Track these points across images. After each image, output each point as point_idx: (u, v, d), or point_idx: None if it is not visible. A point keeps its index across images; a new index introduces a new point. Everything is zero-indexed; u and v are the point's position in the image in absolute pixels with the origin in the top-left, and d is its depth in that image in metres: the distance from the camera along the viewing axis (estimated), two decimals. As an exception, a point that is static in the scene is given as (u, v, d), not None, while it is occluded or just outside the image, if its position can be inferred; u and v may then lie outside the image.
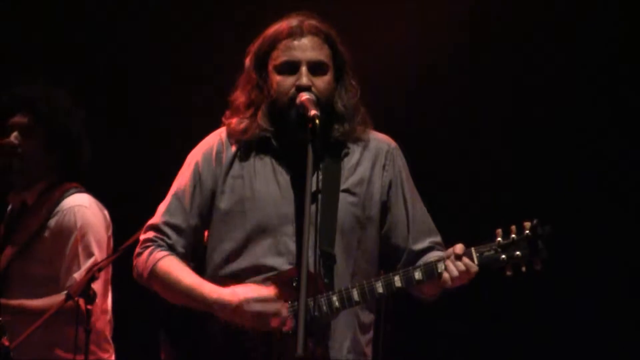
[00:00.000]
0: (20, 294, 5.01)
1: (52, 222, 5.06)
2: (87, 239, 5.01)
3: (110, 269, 5.08)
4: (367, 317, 4.11)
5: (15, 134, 5.09)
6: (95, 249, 5.00)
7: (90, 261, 4.95)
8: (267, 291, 3.89)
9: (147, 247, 4.09)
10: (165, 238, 4.08)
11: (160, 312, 4.08)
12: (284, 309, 3.88)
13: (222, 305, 3.90)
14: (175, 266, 4.02)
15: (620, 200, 5.89)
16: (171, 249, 4.08)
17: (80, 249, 4.99)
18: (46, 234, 5.05)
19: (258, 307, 3.87)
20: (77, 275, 4.92)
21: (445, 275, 3.90)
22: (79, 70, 6.29)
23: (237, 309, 3.87)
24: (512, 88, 6.05)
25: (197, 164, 4.11)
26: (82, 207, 5.06)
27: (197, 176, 4.10)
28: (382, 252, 4.14)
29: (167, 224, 4.09)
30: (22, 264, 5.07)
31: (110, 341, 5.17)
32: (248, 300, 3.86)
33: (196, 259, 4.11)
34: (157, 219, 4.11)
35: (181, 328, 4.04)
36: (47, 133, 5.10)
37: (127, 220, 4.70)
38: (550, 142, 5.98)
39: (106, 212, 5.17)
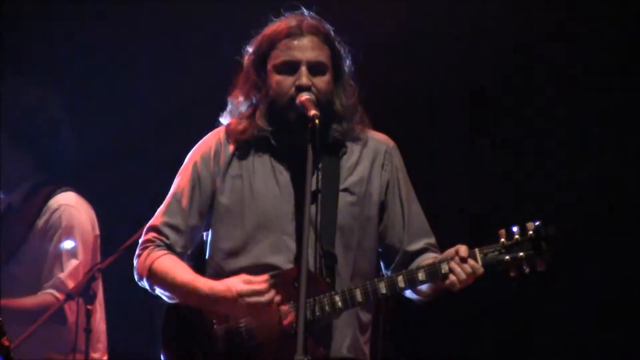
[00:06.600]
0: (8, 297, 4.98)
1: (40, 222, 5.02)
2: (72, 239, 4.97)
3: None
4: (366, 316, 4.11)
5: None
6: (80, 251, 4.96)
7: (74, 263, 4.91)
8: (260, 282, 3.88)
9: (146, 247, 4.09)
10: (163, 238, 4.08)
11: (162, 313, 4.07)
12: (276, 298, 3.88)
13: (215, 299, 3.91)
14: (172, 264, 4.03)
15: (624, 201, 5.90)
16: (169, 248, 4.08)
17: (63, 250, 4.95)
18: (33, 235, 5.02)
19: (251, 300, 3.86)
20: (63, 275, 4.88)
21: (453, 277, 3.88)
22: (76, 67, 6.29)
23: (230, 302, 3.88)
24: (513, 87, 6.04)
25: (195, 165, 4.11)
26: (68, 206, 5.03)
27: (196, 176, 4.10)
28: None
29: (166, 224, 4.08)
30: (11, 268, 5.03)
31: (104, 341, 5.14)
32: (241, 294, 3.86)
33: (195, 259, 4.10)
34: (156, 220, 4.11)
35: (183, 329, 4.02)
36: (11, 136, 5.03)
37: (125, 221, 4.69)
38: (554, 142, 5.99)
39: (92, 211, 5.14)
